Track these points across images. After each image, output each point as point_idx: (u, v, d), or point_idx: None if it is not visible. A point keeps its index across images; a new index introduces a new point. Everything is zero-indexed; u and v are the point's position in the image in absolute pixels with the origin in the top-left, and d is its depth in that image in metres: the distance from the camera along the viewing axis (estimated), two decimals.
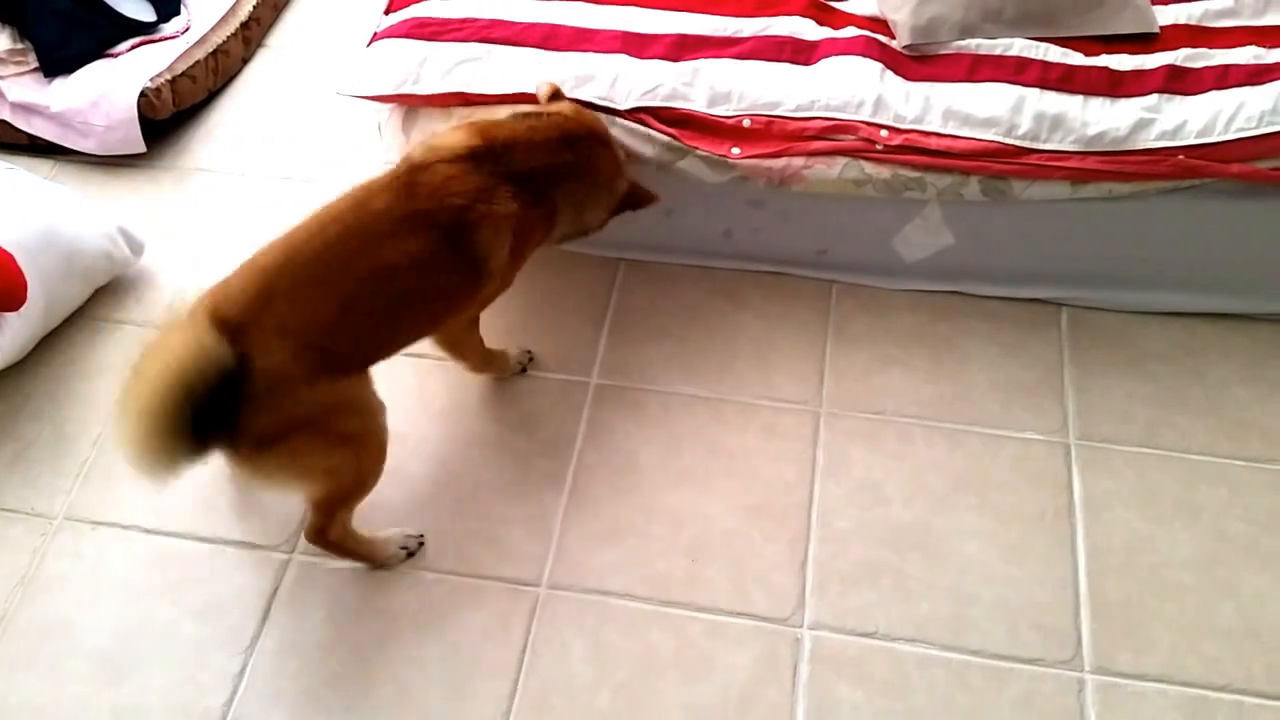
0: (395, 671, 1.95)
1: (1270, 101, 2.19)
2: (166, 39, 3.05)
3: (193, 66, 3.00)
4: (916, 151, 2.23)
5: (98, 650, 1.99)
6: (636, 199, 2.20)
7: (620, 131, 2.27)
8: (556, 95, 2.18)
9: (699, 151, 2.27)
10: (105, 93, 2.87)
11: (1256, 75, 2.25)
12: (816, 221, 2.43)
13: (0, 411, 2.34)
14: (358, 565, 2.07)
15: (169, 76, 2.94)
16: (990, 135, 2.23)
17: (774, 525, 2.12)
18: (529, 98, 2.27)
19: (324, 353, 1.76)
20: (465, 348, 2.22)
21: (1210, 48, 2.33)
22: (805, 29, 2.42)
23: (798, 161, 2.26)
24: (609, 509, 2.16)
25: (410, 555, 2.08)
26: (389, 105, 2.42)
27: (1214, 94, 2.24)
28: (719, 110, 2.29)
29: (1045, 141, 2.22)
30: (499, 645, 1.98)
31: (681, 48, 2.37)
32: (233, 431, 1.69)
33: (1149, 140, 2.20)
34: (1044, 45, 2.35)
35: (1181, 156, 2.18)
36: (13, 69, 2.94)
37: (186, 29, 3.10)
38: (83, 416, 2.33)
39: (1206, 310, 2.42)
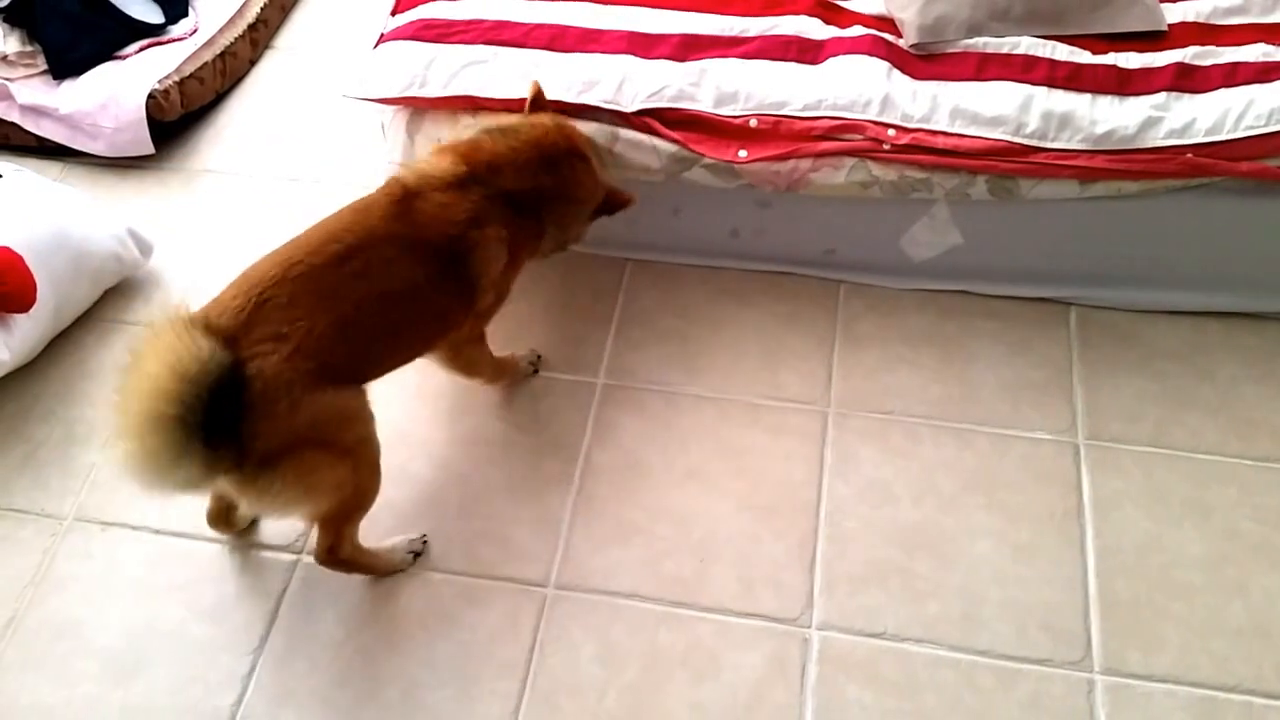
0: (404, 672, 1.95)
1: (1279, 99, 2.18)
2: (174, 41, 3.07)
3: (201, 68, 3.01)
4: (924, 151, 2.23)
5: (107, 650, 1.99)
6: (613, 204, 2.21)
7: (625, 146, 2.28)
8: (539, 97, 2.19)
9: (706, 160, 2.26)
10: (114, 95, 2.88)
11: (1265, 73, 2.24)
12: (823, 222, 2.43)
13: (10, 413, 2.35)
14: None
15: (177, 78, 2.95)
16: (998, 134, 2.22)
17: (782, 525, 2.12)
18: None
19: (320, 363, 1.75)
20: (477, 365, 2.23)
21: (1219, 45, 2.32)
22: (812, 28, 2.41)
23: (804, 165, 2.26)
24: (616, 509, 2.16)
25: (418, 556, 2.09)
26: (395, 107, 2.42)
27: (1223, 92, 2.23)
28: (726, 110, 2.29)
29: (1053, 140, 2.22)
30: (507, 645, 1.98)
31: (688, 48, 2.37)
32: (237, 449, 1.66)
33: (1157, 138, 2.20)
34: (1051, 43, 2.34)
35: (1190, 155, 2.18)
36: (22, 71, 2.95)
37: (194, 31, 3.11)
38: (92, 418, 2.34)
39: (1216, 309, 2.41)
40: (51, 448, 2.29)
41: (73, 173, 2.93)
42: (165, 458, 1.58)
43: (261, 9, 3.24)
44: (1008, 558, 2.06)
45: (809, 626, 1.99)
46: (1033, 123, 2.22)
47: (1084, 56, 2.32)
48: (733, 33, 2.41)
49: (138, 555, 2.12)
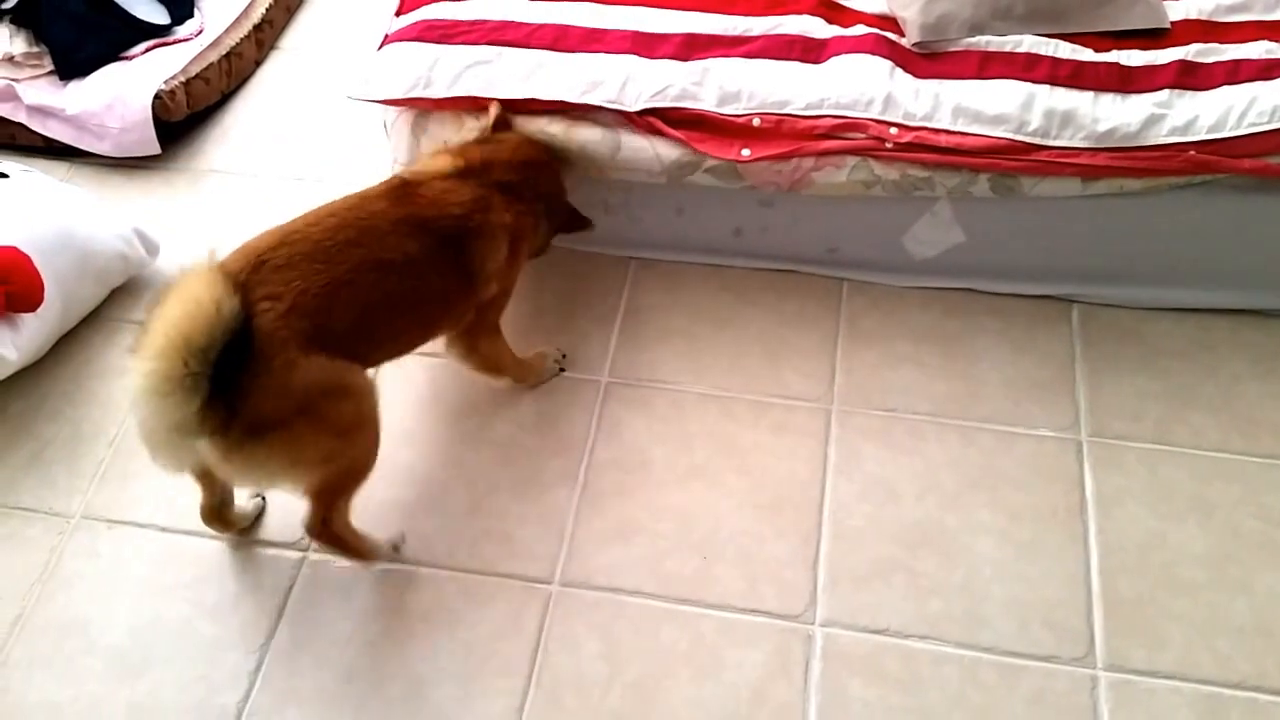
0: (409, 669, 1.96)
1: None
2: (180, 41, 3.08)
3: (206, 69, 3.02)
4: (926, 149, 2.23)
5: (114, 648, 2.00)
6: (573, 223, 2.33)
7: (628, 152, 2.29)
8: (503, 121, 2.26)
9: (708, 164, 2.27)
10: (120, 95, 2.90)
11: (1268, 70, 2.24)
12: (826, 220, 2.44)
13: (17, 411, 2.36)
14: (370, 562, 2.08)
15: (183, 79, 2.96)
16: (1000, 132, 2.23)
17: (785, 522, 2.13)
18: (538, 104, 2.29)
19: (315, 324, 1.76)
20: (497, 362, 2.25)
21: (1221, 43, 2.32)
22: (815, 27, 2.42)
23: (806, 164, 2.26)
24: (621, 507, 2.16)
25: (398, 549, 2.08)
26: (399, 107, 2.43)
27: (1225, 89, 2.23)
28: (729, 109, 2.29)
29: (1055, 138, 2.22)
30: (511, 642, 1.99)
31: (691, 47, 2.38)
32: (226, 410, 1.66)
33: (1160, 136, 2.20)
34: (1054, 41, 2.34)
35: (1193, 152, 2.18)
36: (28, 72, 2.97)
37: (200, 31, 3.12)
38: (99, 416, 2.35)
39: (1218, 306, 2.41)
40: (59, 446, 2.30)
41: (79, 173, 2.94)
42: (179, 383, 1.59)
43: (267, 10, 3.25)
44: (1011, 555, 2.06)
45: (812, 623, 1.99)
46: (1035, 121, 2.22)
47: (1086, 54, 2.32)
48: (736, 32, 2.41)
49: (144, 553, 2.13)
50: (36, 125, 2.95)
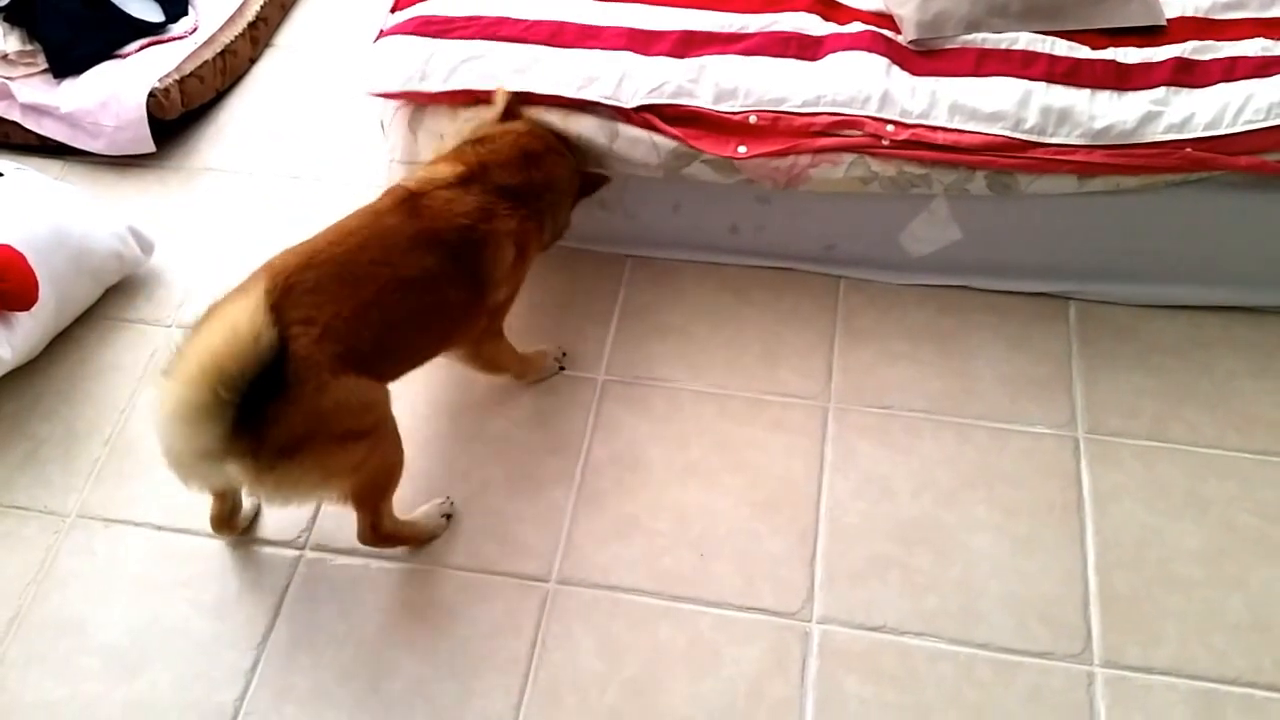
0: (406, 666, 1.96)
1: (1278, 94, 2.18)
2: (175, 39, 3.07)
3: (201, 66, 3.02)
4: (923, 146, 2.23)
5: (110, 647, 2.00)
6: (591, 185, 2.34)
7: (625, 143, 2.29)
8: (511, 106, 2.26)
9: (705, 156, 2.27)
10: (114, 93, 2.89)
11: (1264, 67, 2.24)
12: (823, 217, 2.44)
13: (12, 410, 2.36)
14: (367, 561, 2.08)
15: (177, 77, 2.96)
16: (997, 129, 2.23)
17: (782, 520, 2.13)
18: (533, 97, 2.29)
19: (347, 348, 1.78)
20: (499, 361, 2.26)
21: (1218, 40, 2.32)
22: (811, 25, 2.42)
23: (803, 161, 2.26)
24: (618, 504, 2.16)
25: (450, 518, 2.13)
26: (394, 102, 2.42)
27: (1222, 86, 2.23)
28: (725, 107, 2.29)
29: (1052, 135, 2.22)
30: (509, 640, 1.99)
31: (687, 44, 2.38)
32: (256, 434, 1.67)
33: (1156, 133, 2.20)
34: (1050, 39, 2.34)
35: (1189, 149, 2.18)
36: (22, 70, 2.96)
37: (194, 29, 3.11)
38: (94, 415, 2.34)
39: (1214, 303, 2.41)
40: (54, 445, 2.30)
41: (73, 171, 2.93)
42: (208, 411, 1.59)
43: (261, 7, 3.24)
44: (1007, 551, 2.07)
45: (809, 620, 2.00)
46: (1031, 118, 2.22)
47: (1083, 52, 2.32)
48: (732, 29, 2.41)
49: (140, 552, 2.13)
50: (31, 123, 2.94)
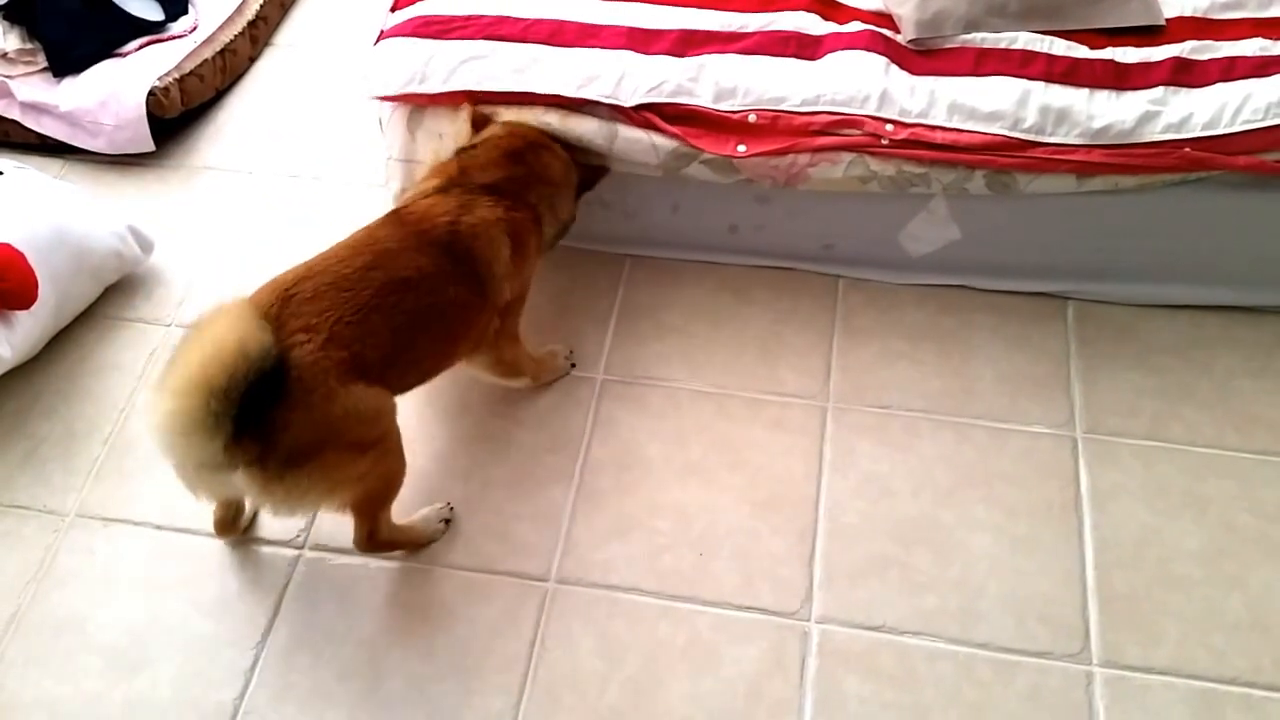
0: (405, 666, 1.96)
1: (1276, 93, 2.18)
2: (174, 38, 3.07)
3: (201, 65, 3.02)
4: (922, 146, 2.23)
5: (110, 646, 2.00)
6: (592, 176, 2.34)
7: (624, 143, 2.29)
8: (480, 119, 2.27)
9: (705, 155, 2.27)
10: (114, 92, 2.89)
11: (1263, 67, 2.25)
12: (822, 217, 2.44)
13: (12, 409, 2.36)
14: (367, 560, 2.09)
15: (177, 75, 2.96)
16: (995, 129, 2.23)
17: (781, 519, 2.13)
18: (534, 97, 2.29)
19: (352, 353, 1.78)
20: (519, 366, 2.27)
21: (1216, 40, 2.32)
22: (810, 24, 2.42)
23: (802, 160, 2.26)
24: (617, 504, 2.16)
25: (449, 523, 2.13)
26: (394, 103, 2.42)
27: (1220, 86, 2.23)
28: (724, 106, 2.29)
29: (1051, 135, 2.22)
30: (508, 639, 1.99)
31: (687, 43, 2.38)
32: (261, 443, 1.67)
33: (1155, 133, 2.20)
34: (1049, 38, 2.34)
35: (1187, 149, 2.18)
36: (22, 69, 2.96)
37: (194, 28, 3.11)
38: (94, 414, 2.35)
39: (1213, 303, 2.41)
40: (53, 444, 2.30)
41: (73, 170, 2.93)
42: (199, 423, 1.59)
43: (261, 6, 3.25)
44: (1006, 551, 2.07)
45: (808, 620, 2.00)
46: (1030, 118, 2.22)
47: (1081, 51, 2.32)
48: (731, 28, 2.41)
49: (140, 551, 2.13)
50: (30, 122, 2.94)
